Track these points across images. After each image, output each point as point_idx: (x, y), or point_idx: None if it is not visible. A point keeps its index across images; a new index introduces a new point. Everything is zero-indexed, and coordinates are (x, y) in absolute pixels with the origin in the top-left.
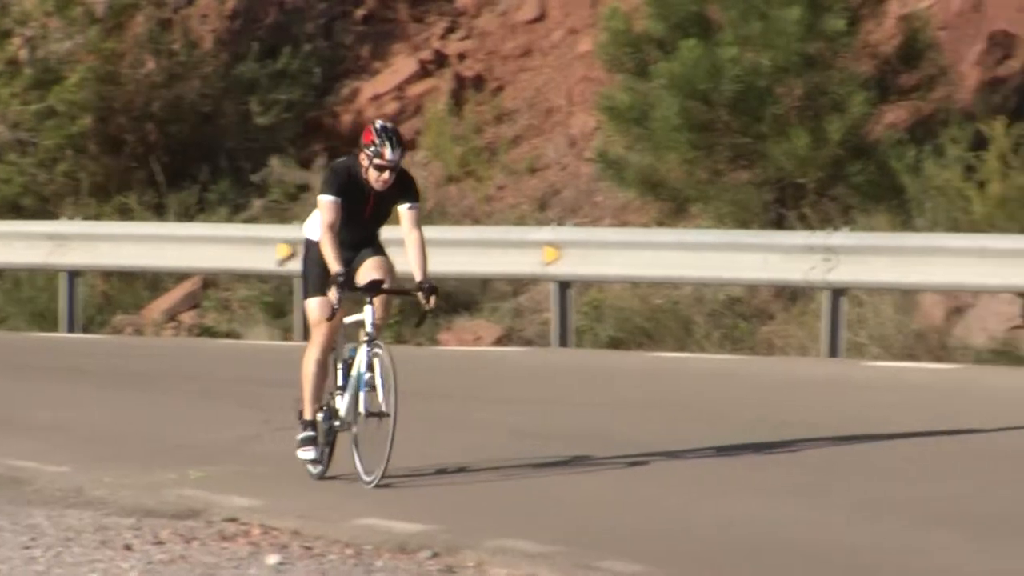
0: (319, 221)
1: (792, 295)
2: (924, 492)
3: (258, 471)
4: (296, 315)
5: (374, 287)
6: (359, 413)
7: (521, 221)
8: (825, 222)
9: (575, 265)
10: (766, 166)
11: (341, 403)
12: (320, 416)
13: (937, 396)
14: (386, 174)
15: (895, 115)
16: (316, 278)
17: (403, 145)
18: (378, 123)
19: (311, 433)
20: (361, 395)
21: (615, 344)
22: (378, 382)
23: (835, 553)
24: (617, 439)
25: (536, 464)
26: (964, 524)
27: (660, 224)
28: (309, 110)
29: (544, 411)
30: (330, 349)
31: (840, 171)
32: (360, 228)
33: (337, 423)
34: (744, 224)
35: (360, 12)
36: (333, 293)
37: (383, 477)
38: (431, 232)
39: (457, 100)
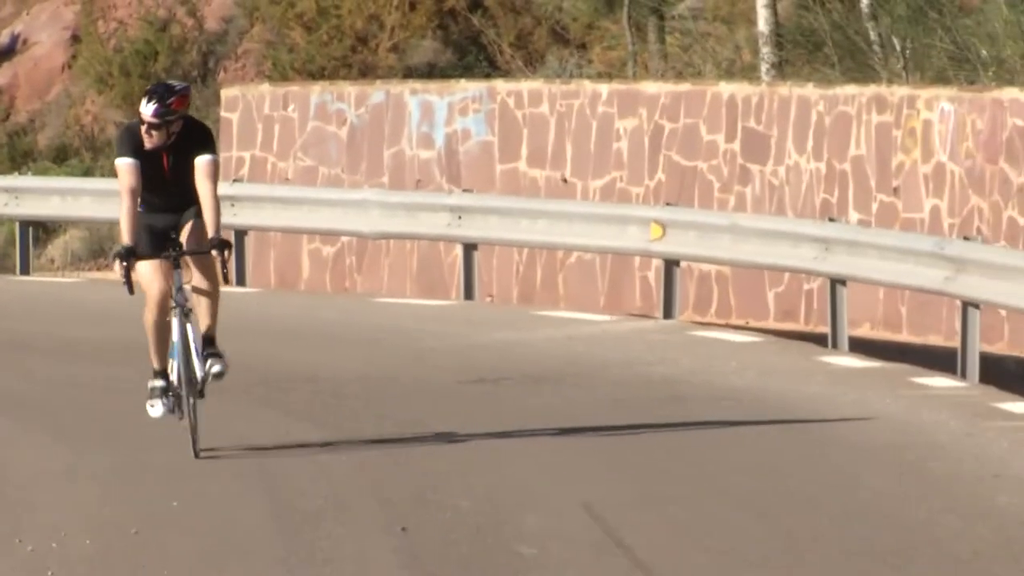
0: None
1: None
2: None
3: None
4: None
5: (166, 257)
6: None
7: None
8: None
9: None
10: None
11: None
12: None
13: None
14: (154, 133)
15: None
16: (144, 243)
17: (168, 104)
18: (164, 81)
19: (159, 383)
20: (173, 362)
21: None
22: (191, 348)
23: None
24: None
25: None
26: None
27: None
28: None
29: None
30: (165, 311)
31: None
32: (165, 188)
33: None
34: None
35: None
36: (117, 267)
37: (196, 444)
38: None
39: None
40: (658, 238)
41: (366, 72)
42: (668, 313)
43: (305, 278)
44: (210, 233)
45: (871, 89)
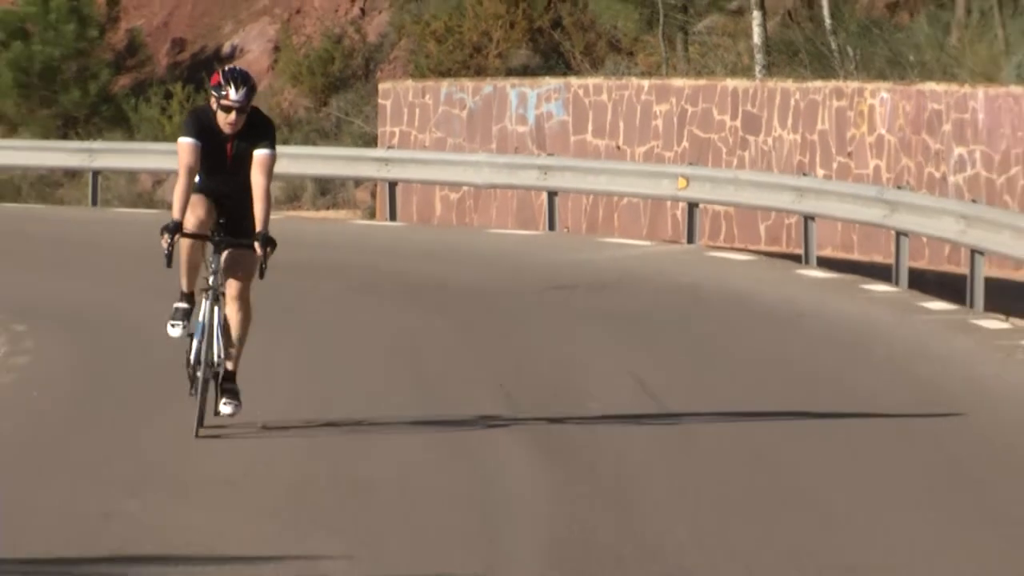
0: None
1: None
2: None
3: None
4: None
5: (209, 238)
6: (199, 362)
7: None
8: (95, 136)
9: None
10: (57, 108)
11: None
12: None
13: None
14: (232, 115)
15: (126, 80)
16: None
17: (250, 87)
18: (227, 67)
19: (183, 305)
20: (194, 344)
21: None
22: (216, 332)
23: None
24: None
25: None
26: None
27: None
28: None
29: None
30: (200, 245)
31: (97, 109)
32: (225, 175)
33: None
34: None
35: None
36: (165, 240)
37: (200, 427)
38: None
39: None
40: (683, 188)
41: (480, 72)
42: (691, 240)
43: (437, 215)
44: (258, 227)
45: (832, 83)
